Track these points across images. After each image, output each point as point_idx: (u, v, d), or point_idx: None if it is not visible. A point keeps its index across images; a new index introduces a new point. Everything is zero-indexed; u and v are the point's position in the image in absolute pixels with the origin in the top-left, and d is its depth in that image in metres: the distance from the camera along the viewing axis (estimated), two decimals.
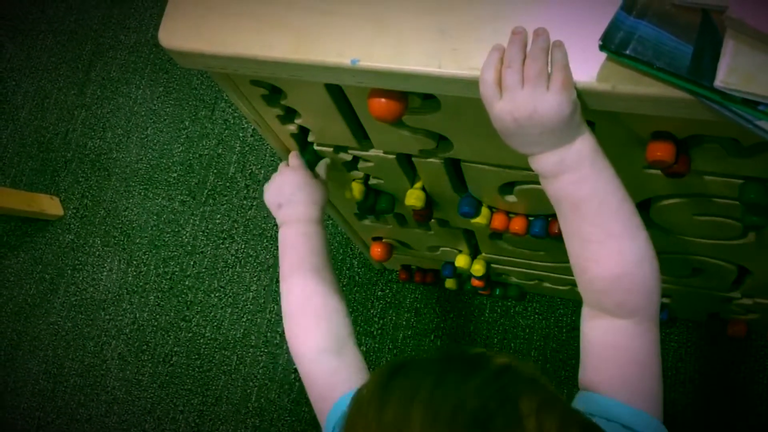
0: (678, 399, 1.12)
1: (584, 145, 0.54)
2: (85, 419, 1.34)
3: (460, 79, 0.54)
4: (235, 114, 1.47)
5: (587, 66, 0.52)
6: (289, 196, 0.76)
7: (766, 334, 1.07)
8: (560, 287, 1.14)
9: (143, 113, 1.52)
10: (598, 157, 0.54)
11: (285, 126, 0.75)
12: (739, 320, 1.06)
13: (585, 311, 0.57)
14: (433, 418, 0.41)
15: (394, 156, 0.77)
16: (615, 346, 0.56)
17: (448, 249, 1.08)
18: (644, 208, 0.75)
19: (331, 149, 0.79)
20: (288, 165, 0.79)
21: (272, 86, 0.68)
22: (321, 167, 0.81)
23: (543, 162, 0.55)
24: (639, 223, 0.55)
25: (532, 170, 0.72)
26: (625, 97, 0.51)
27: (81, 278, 1.44)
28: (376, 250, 1.10)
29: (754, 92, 0.44)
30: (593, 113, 0.57)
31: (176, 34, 0.61)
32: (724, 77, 0.45)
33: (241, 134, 1.45)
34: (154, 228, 1.43)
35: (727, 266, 0.86)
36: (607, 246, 0.54)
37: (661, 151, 0.58)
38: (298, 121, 0.74)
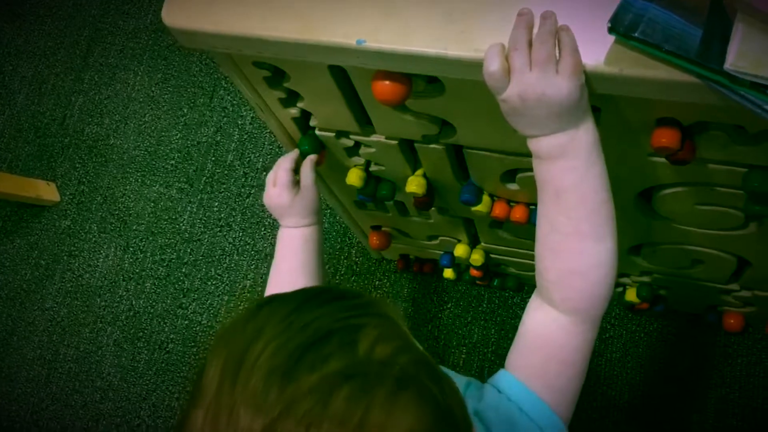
0: (674, 392, 1.12)
1: (586, 135, 0.54)
2: (80, 405, 1.34)
3: (466, 60, 0.54)
4: (234, 102, 1.47)
5: (595, 49, 0.51)
6: (280, 213, 0.79)
7: (764, 327, 1.07)
8: None
9: (141, 99, 1.51)
10: (595, 151, 0.54)
11: (287, 110, 0.75)
12: (737, 313, 1.06)
13: (533, 297, 0.60)
14: (281, 332, 0.42)
15: (397, 142, 0.77)
16: (546, 338, 0.58)
17: (447, 238, 1.07)
18: (647, 197, 0.75)
19: (332, 134, 0.79)
20: (273, 183, 0.78)
21: (275, 68, 0.67)
22: (306, 172, 0.78)
23: (542, 144, 0.55)
24: (610, 230, 0.55)
25: None
26: (632, 80, 0.51)
27: (77, 264, 1.43)
28: (375, 239, 1.10)
29: (764, 75, 0.44)
30: (599, 98, 0.57)
31: (180, 13, 0.60)
32: (733, 60, 0.44)
33: (239, 122, 1.45)
34: (151, 215, 1.43)
35: (726, 257, 0.85)
36: (570, 241, 0.55)
37: (667, 137, 0.58)
38: (300, 104, 0.74)
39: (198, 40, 0.61)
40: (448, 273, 1.20)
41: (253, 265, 1.34)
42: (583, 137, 0.53)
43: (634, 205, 0.76)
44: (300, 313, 0.44)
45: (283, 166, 0.78)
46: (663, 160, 0.64)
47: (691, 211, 0.74)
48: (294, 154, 0.79)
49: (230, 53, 0.65)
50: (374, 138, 0.78)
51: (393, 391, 0.41)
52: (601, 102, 0.58)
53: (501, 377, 0.59)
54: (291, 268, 0.78)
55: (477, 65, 0.53)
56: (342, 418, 0.39)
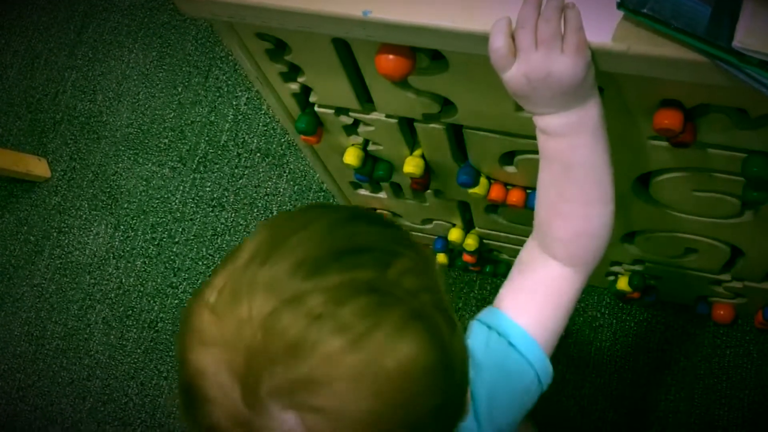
0: (662, 381, 1.13)
1: (593, 112, 0.55)
2: (67, 383, 1.33)
3: (473, 34, 0.54)
4: (229, 82, 1.46)
5: (603, 26, 0.51)
6: None
7: (754, 320, 1.08)
8: None
9: (135, 77, 1.50)
10: (600, 126, 0.55)
11: (287, 84, 0.74)
12: (727, 305, 1.07)
13: (532, 244, 0.62)
14: (325, 232, 0.43)
15: (396, 120, 0.77)
16: (546, 284, 0.60)
17: (441, 222, 1.07)
18: (644, 182, 0.75)
19: (332, 111, 0.78)
20: None
21: (278, 40, 0.67)
22: None
23: (549, 122, 0.56)
24: (613, 193, 0.58)
25: (534, 140, 0.72)
26: (640, 58, 0.51)
27: (67, 241, 1.42)
28: None
29: None
30: (603, 77, 0.56)
31: None
32: (742, 38, 0.44)
33: (234, 102, 1.44)
34: (142, 193, 1.41)
35: (720, 246, 0.86)
36: (582, 208, 0.58)
37: (669, 118, 0.58)
38: (300, 79, 0.73)
39: (201, 8, 0.60)
40: (441, 258, 1.20)
41: None
42: (591, 114, 0.54)
43: (632, 190, 0.77)
44: (348, 222, 0.45)
45: None
46: (663, 143, 0.64)
47: (689, 198, 0.74)
48: None
49: (232, 22, 0.64)
50: (374, 116, 0.77)
51: (406, 319, 0.41)
52: (605, 82, 0.58)
53: (491, 314, 0.60)
54: None
55: (484, 39, 0.53)
56: (348, 323, 0.39)
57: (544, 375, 0.59)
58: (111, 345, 1.33)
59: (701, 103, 0.58)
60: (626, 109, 0.61)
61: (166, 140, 1.44)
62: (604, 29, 0.51)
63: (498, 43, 0.52)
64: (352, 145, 0.85)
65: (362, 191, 1.03)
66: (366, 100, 0.75)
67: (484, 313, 0.61)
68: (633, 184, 0.75)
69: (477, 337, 0.59)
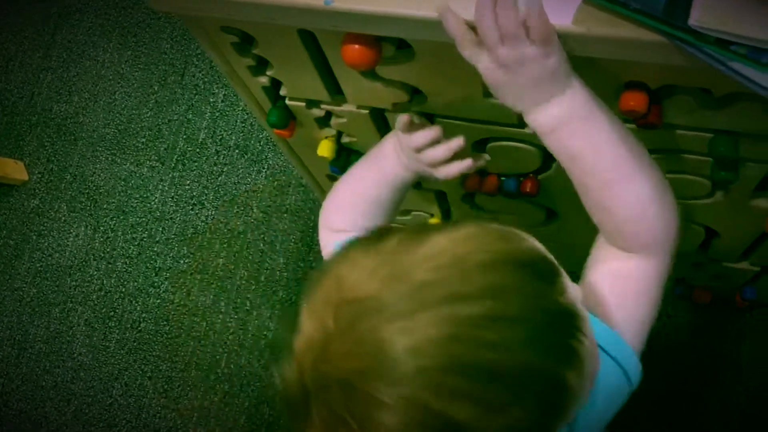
0: (645, 362, 1.13)
1: (575, 98, 0.54)
2: (51, 386, 1.32)
3: (438, 21, 0.54)
4: (206, 79, 1.45)
5: (564, 9, 0.51)
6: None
7: (735, 298, 1.09)
8: None
9: (111, 77, 1.49)
10: (592, 108, 0.54)
11: (256, 78, 0.74)
12: (705, 286, 1.08)
13: (600, 239, 0.60)
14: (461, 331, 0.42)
15: (368, 111, 0.77)
16: (619, 274, 0.58)
17: (420, 213, 1.07)
18: None
19: (303, 104, 0.78)
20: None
21: (244, 34, 0.67)
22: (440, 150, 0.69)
23: (538, 120, 0.55)
24: (641, 163, 0.55)
25: (505, 126, 0.72)
26: (599, 39, 0.51)
27: (46, 244, 1.41)
28: None
29: (728, 31, 0.44)
30: (571, 60, 0.57)
31: None
32: (698, 16, 0.45)
33: (211, 99, 1.43)
34: (121, 193, 1.41)
35: (695, 228, 0.87)
36: (606, 194, 0.56)
37: (635, 100, 0.58)
38: (269, 72, 0.73)
39: (168, 2, 0.60)
40: None
41: (226, 244, 1.34)
42: (576, 101, 0.53)
43: None
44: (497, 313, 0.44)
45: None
46: (631, 126, 0.65)
47: None
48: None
49: (199, 16, 0.64)
50: (345, 107, 0.77)
51: None
52: (572, 65, 0.58)
53: (604, 334, 0.57)
54: (374, 196, 0.72)
55: None
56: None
57: (634, 373, 0.57)
58: (94, 347, 1.33)
59: (666, 85, 0.58)
60: (594, 91, 0.61)
61: (144, 139, 1.43)
62: (564, 13, 0.51)
63: (460, 46, 0.52)
64: (326, 137, 0.85)
65: None
66: (336, 91, 0.75)
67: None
68: None
69: None
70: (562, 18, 0.51)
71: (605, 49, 0.52)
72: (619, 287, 0.58)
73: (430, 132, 0.66)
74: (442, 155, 0.66)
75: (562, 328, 0.45)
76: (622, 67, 0.57)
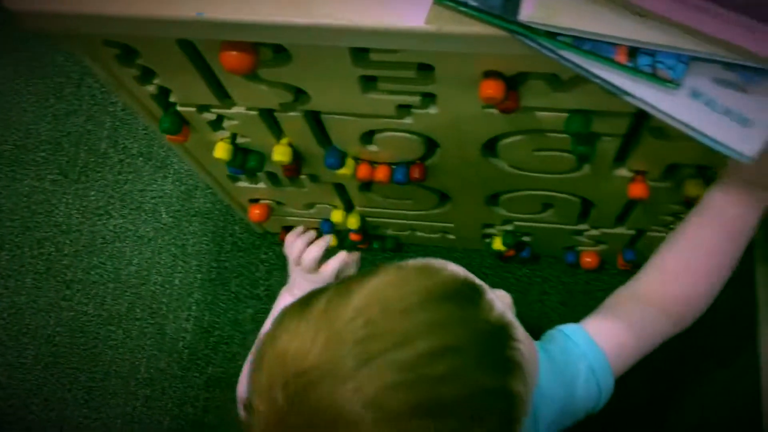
0: (544, 327, 1.21)
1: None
2: None
3: (309, 27, 0.58)
4: (103, 89, 1.45)
5: (418, 12, 0.56)
6: (294, 277, 0.85)
7: (617, 263, 1.18)
8: (432, 235, 1.21)
9: (5, 93, 1.47)
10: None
11: (144, 87, 0.76)
12: (592, 252, 1.16)
13: (628, 291, 0.67)
14: (413, 368, 0.45)
15: (257, 112, 0.80)
16: (636, 324, 0.63)
17: (323, 205, 1.12)
18: (491, 145, 0.82)
19: (194, 109, 0.81)
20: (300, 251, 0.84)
21: (126, 46, 0.69)
22: (332, 264, 0.83)
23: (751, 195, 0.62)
24: (729, 272, 0.63)
25: (387, 118, 0.77)
26: (450, 37, 0.56)
27: None
28: (255, 212, 1.13)
29: (554, 25, 0.50)
30: (432, 57, 0.62)
31: None
32: (527, 13, 0.50)
33: (111, 109, 1.43)
34: (25, 209, 1.39)
35: (571, 199, 0.94)
36: (716, 274, 0.62)
37: (492, 88, 0.64)
38: (156, 81, 0.76)
39: (42, 22, 0.62)
40: (333, 241, 1.24)
41: (137, 251, 1.34)
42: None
43: (482, 156, 0.83)
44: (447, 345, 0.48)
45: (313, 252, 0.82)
46: (495, 111, 0.71)
47: (531, 158, 0.81)
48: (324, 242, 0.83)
49: (76, 34, 0.66)
50: (235, 110, 0.81)
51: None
52: (435, 60, 0.64)
53: (573, 330, 0.64)
54: None
55: (322, 31, 0.57)
56: None
57: (604, 401, 0.62)
58: (10, 365, 1.31)
59: (519, 72, 0.64)
60: (458, 83, 0.67)
61: (44, 154, 1.42)
62: (419, 15, 0.56)
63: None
64: (221, 139, 0.88)
65: (242, 183, 1.06)
66: (224, 95, 0.78)
67: (568, 326, 0.64)
68: (482, 151, 0.82)
69: (558, 341, 0.63)
70: (416, 19, 0.56)
71: (457, 44, 0.57)
72: (640, 328, 0.63)
73: (304, 238, 0.83)
74: (316, 252, 0.81)
75: (498, 343, 0.49)
76: (477, 58, 0.62)
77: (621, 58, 0.51)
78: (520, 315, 0.65)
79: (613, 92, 0.52)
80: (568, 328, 0.63)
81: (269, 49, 0.66)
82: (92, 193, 1.39)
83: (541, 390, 0.58)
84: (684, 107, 0.51)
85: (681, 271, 0.62)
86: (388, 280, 0.50)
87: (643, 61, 0.51)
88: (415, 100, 0.72)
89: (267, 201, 1.13)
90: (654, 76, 0.50)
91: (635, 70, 0.51)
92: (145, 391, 1.26)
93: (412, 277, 0.50)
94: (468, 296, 0.50)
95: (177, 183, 1.37)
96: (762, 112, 0.50)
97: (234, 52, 0.63)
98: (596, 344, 0.61)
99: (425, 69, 0.66)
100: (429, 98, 0.72)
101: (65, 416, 1.27)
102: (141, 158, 1.39)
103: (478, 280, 0.53)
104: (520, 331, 0.52)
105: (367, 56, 0.65)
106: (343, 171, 0.89)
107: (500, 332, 0.50)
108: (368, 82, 0.70)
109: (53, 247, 1.37)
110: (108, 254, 1.35)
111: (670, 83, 0.50)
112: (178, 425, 1.24)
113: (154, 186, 1.37)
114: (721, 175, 0.62)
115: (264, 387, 0.47)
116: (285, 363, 0.46)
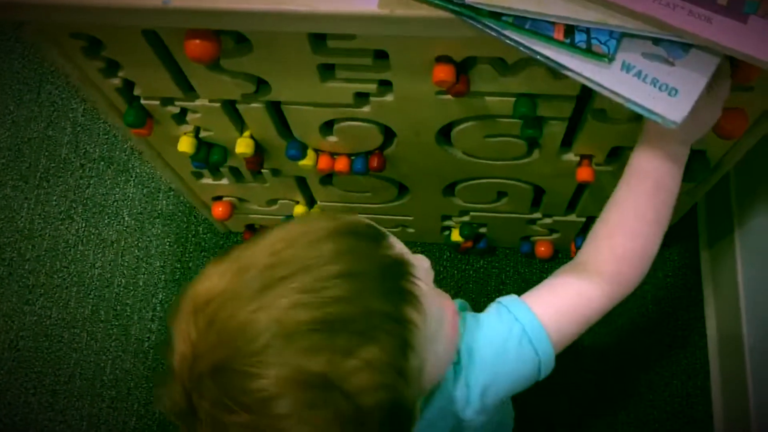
0: None
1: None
2: None
3: (269, 13, 0.61)
4: (63, 95, 1.46)
5: None
6: None
7: (570, 251, 1.23)
8: (392, 230, 1.24)
9: None
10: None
11: (108, 80, 0.79)
12: (546, 241, 1.21)
13: (574, 262, 0.67)
14: (316, 284, 0.50)
15: (220, 104, 0.83)
16: (579, 295, 0.64)
17: (286, 201, 1.14)
18: (446, 134, 0.86)
19: (158, 102, 0.84)
20: None
21: (92, 37, 0.71)
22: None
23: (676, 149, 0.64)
24: (664, 228, 0.65)
25: (345, 106, 0.80)
26: (402, 20, 0.59)
27: None
28: (218, 209, 1.15)
29: (497, 4, 0.54)
30: (386, 42, 0.66)
31: None
32: None
33: (71, 115, 1.44)
34: None
35: (524, 186, 0.98)
36: (651, 228, 0.64)
37: (443, 72, 0.67)
38: (121, 74, 0.78)
39: (8, 12, 0.64)
40: None
41: (100, 254, 1.35)
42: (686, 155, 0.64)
43: (437, 144, 0.87)
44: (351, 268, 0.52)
45: None
46: (448, 97, 0.75)
47: (483, 144, 0.85)
48: None
49: (43, 24, 0.68)
50: (198, 103, 0.83)
51: (330, 423, 0.49)
52: (389, 46, 0.67)
53: (510, 299, 0.66)
54: None
55: (283, 17, 0.60)
56: (278, 416, 0.48)
57: (546, 368, 0.63)
58: None
59: (468, 56, 0.69)
60: (412, 69, 0.71)
61: (4, 160, 1.42)
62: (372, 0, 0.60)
63: None
64: (184, 133, 0.90)
65: (205, 180, 1.08)
66: (188, 88, 0.81)
67: (508, 298, 0.66)
68: (437, 138, 0.86)
69: (492, 317, 0.65)
70: (371, 4, 0.60)
71: (408, 27, 0.61)
72: (569, 299, 0.65)
73: None
74: None
75: (394, 274, 0.54)
76: (429, 44, 0.66)
77: (559, 35, 0.55)
78: (479, 306, 0.69)
79: (554, 68, 0.57)
80: (506, 299, 0.67)
81: (231, 39, 0.69)
82: (54, 198, 1.39)
83: (471, 352, 0.62)
84: (618, 79, 0.55)
85: (611, 234, 0.65)
86: (297, 222, 0.56)
87: (579, 37, 0.55)
88: (372, 87, 0.76)
89: (230, 198, 1.15)
90: (589, 51, 0.55)
91: (572, 46, 0.55)
92: (111, 393, 1.27)
93: (318, 219, 0.56)
94: (369, 235, 0.55)
95: (139, 186, 1.38)
96: (687, 83, 0.55)
97: (197, 41, 0.66)
98: (530, 310, 0.64)
99: (381, 57, 0.70)
100: (385, 86, 0.76)
101: (30, 420, 1.26)
102: (103, 162, 1.40)
103: (382, 229, 0.58)
104: (420, 272, 0.56)
105: (325, 44, 0.69)
106: (304, 162, 0.92)
107: (398, 266, 0.55)
108: (327, 71, 0.74)
109: (15, 253, 1.37)
110: (71, 258, 1.36)
111: (604, 57, 0.55)
112: (144, 425, 1.24)
113: (117, 189, 1.38)
114: (641, 139, 0.66)
115: (180, 325, 0.51)
116: (196, 298, 0.51)
